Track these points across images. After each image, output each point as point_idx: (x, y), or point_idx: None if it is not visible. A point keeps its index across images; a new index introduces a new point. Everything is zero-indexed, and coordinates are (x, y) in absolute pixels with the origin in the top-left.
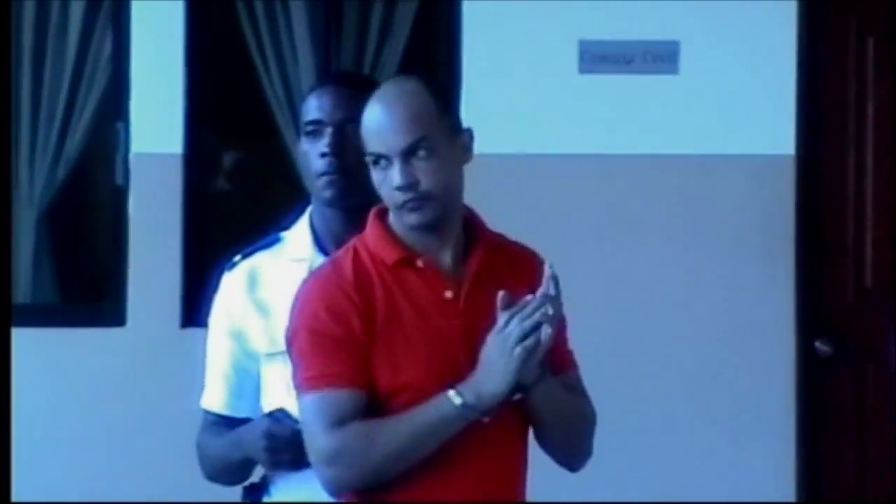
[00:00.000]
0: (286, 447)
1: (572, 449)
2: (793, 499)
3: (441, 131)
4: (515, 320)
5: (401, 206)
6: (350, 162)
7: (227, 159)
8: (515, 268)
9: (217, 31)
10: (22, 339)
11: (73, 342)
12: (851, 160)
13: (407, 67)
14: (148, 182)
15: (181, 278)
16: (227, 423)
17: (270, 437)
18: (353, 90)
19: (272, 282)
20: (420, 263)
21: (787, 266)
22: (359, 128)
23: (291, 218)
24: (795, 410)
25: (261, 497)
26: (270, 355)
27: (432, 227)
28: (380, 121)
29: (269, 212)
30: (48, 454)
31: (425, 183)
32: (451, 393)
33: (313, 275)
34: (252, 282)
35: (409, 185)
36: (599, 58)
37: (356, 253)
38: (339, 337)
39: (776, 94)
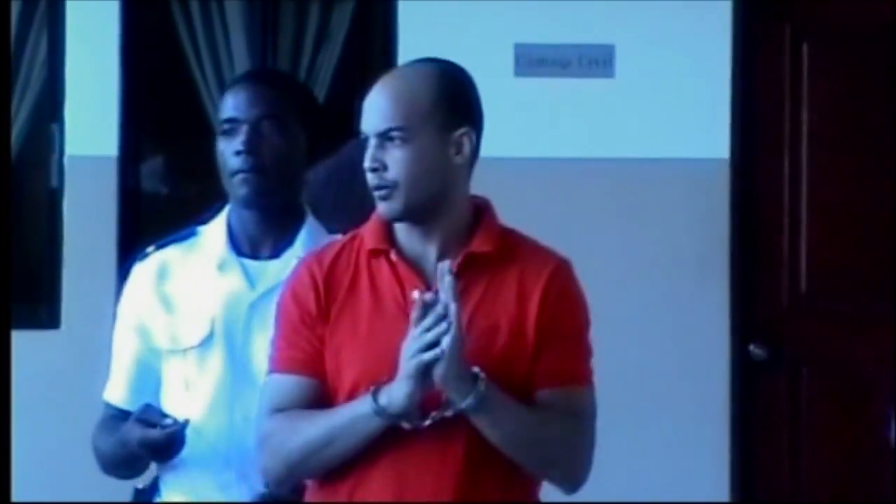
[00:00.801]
0: (166, 447)
1: (535, 469)
2: (727, 499)
3: (427, 123)
4: (419, 328)
5: (374, 192)
6: (266, 160)
7: (162, 161)
8: (524, 271)
9: (152, 33)
10: None
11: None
12: (786, 165)
13: (343, 70)
14: (83, 184)
15: (115, 281)
16: (124, 417)
17: (147, 445)
18: (269, 87)
19: (181, 276)
20: (393, 256)
21: (722, 270)
22: (275, 124)
23: (211, 213)
24: (730, 413)
25: (152, 498)
26: (170, 352)
27: (410, 220)
28: (369, 100)
29: (204, 213)
30: None
31: (393, 171)
32: (370, 392)
33: (305, 257)
34: (162, 274)
35: (375, 169)
36: (535, 61)
37: (353, 238)
38: (296, 318)
39: (711, 98)
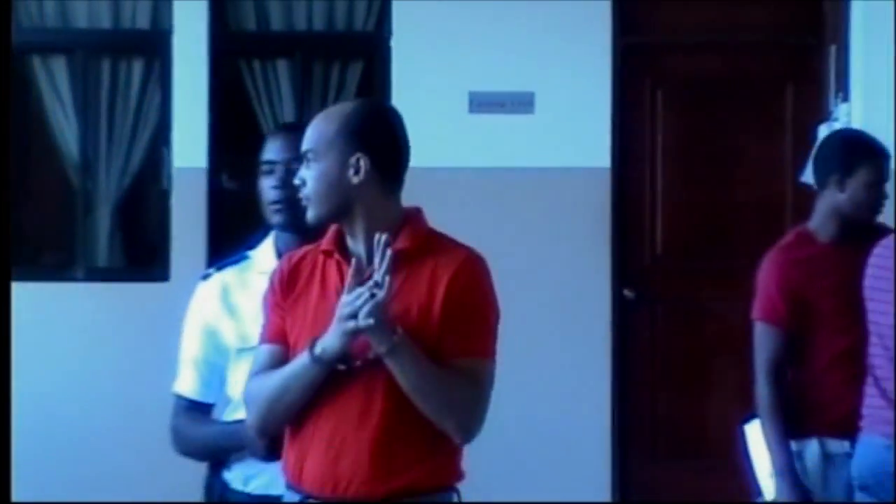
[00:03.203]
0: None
1: (436, 417)
2: (608, 413)
3: (330, 149)
4: (350, 297)
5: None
6: (293, 193)
7: (236, 171)
8: (438, 263)
9: (230, 89)
10: (99, 291)
11: (132, 293)
12: (647, 170)
13: None
14: (184, 186)
15: (206, 248)
16: (197, 407)
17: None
18: (296, 135)
19: (241, 290)
20: (336, 255)
21: (606, 240)
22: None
23: (254, 241)
24: (611, 338)
25: (221, 471)
26: (241, 351)
27: (328, 223)
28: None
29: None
30: (121, 373)
31: (308, 187)
32: (308, 345)
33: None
34: (225, 290)
35: (298, 186)
36: (483, 103)
37: (317, 246)
38: (270, 303)
39: (597, 126)
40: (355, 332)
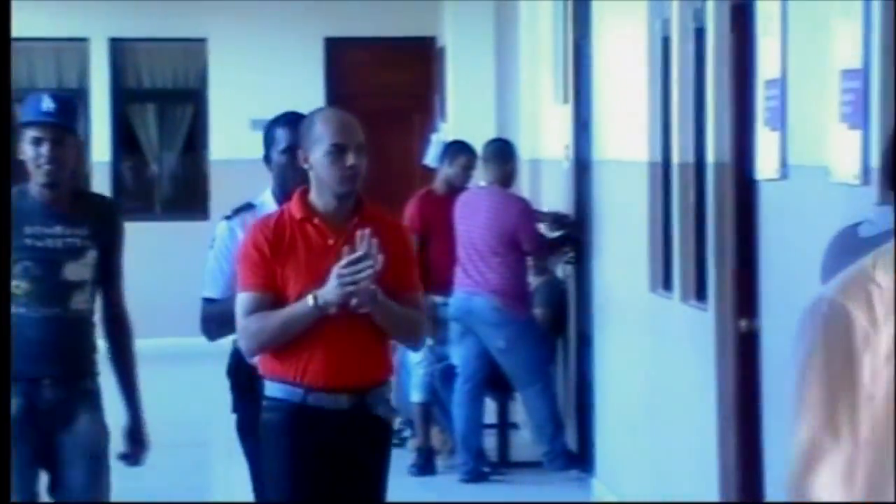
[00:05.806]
0: None
1: (401, 339)
2: None
3: None
4: (349, 269)
5: (350, 177)
6: (293, 166)
7: (130, 161)
8: (382, 227)
9: (122, 119)
10: None
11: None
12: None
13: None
14: (98, 171)
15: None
16: (215, 301)
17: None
18: (295, 127)
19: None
20: (316, 220)
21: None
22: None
23: (257, 192)
24: None
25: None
26: None
27: (350, 196)
28: (344, 122)
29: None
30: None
31: (361, 167)
32: (309, 296)
33: (254, 222)
34: (242, 226)
35: (356, 165)
36: (259, 125)
37: (283, 212)
38: (257, 259)
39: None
40: (351, 293)
